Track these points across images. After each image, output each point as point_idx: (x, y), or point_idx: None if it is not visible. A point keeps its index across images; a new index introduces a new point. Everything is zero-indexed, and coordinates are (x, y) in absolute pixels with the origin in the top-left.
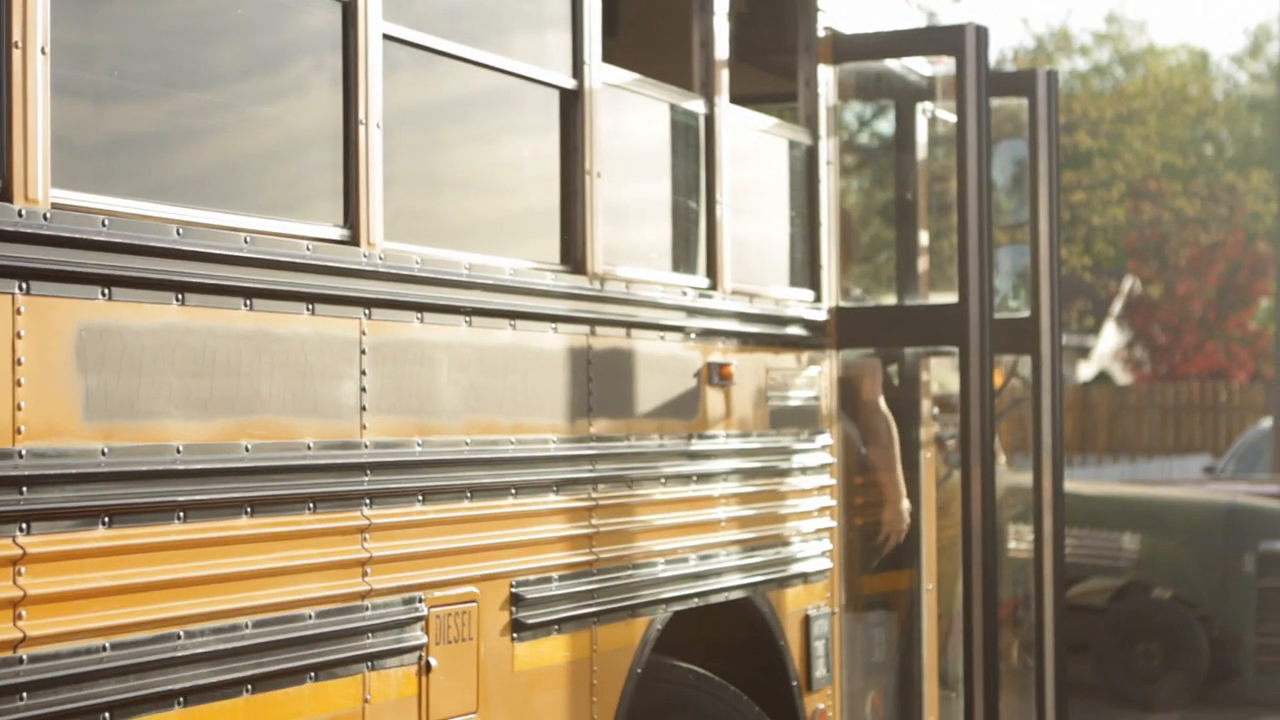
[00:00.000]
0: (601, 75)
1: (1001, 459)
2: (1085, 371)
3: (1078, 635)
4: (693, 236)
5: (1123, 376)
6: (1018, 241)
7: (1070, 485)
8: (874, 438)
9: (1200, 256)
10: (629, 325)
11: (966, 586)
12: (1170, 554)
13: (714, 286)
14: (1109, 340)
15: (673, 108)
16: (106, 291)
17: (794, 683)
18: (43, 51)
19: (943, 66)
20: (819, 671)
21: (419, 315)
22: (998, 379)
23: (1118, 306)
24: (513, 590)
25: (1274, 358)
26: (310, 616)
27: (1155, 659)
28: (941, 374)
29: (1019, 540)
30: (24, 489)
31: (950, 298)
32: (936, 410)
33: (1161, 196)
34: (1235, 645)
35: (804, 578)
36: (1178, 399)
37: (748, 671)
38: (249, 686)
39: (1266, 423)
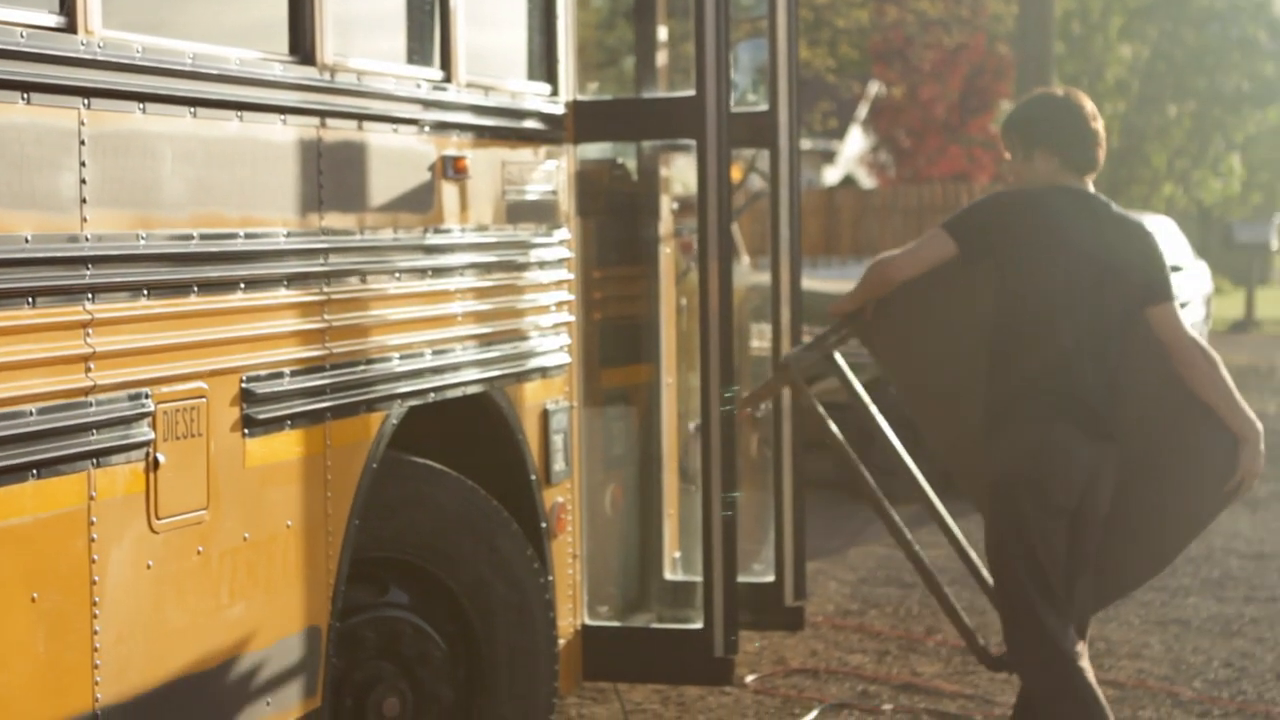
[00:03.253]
0: None
1: (745, 258)
2: (831, 175)
3: (820, 430)
4: (427, 28)
5: (868, 180)
6: (757, 35)
7: (814, 284)
8: None
9: (944, 60)
10: (360, 118)
11: (704, 382)
12: None
13: (448, 79)
14: (854, 144)
15: None
16: None
17: (533, 477)
18: None
19: None
20: (558, 465)
21: (141, 105)
22: (736, 174)
23: (863, 111)
24: (243, 386)
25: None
26: (31, 413)
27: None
28: (683, 171)
29: (762, 339)
30: None
31: (689, 92)
32: (676, 206)
33: None
34: None
35: (542, 372)
36: (921, 201)
37: (486, 466)
38: None
39: None
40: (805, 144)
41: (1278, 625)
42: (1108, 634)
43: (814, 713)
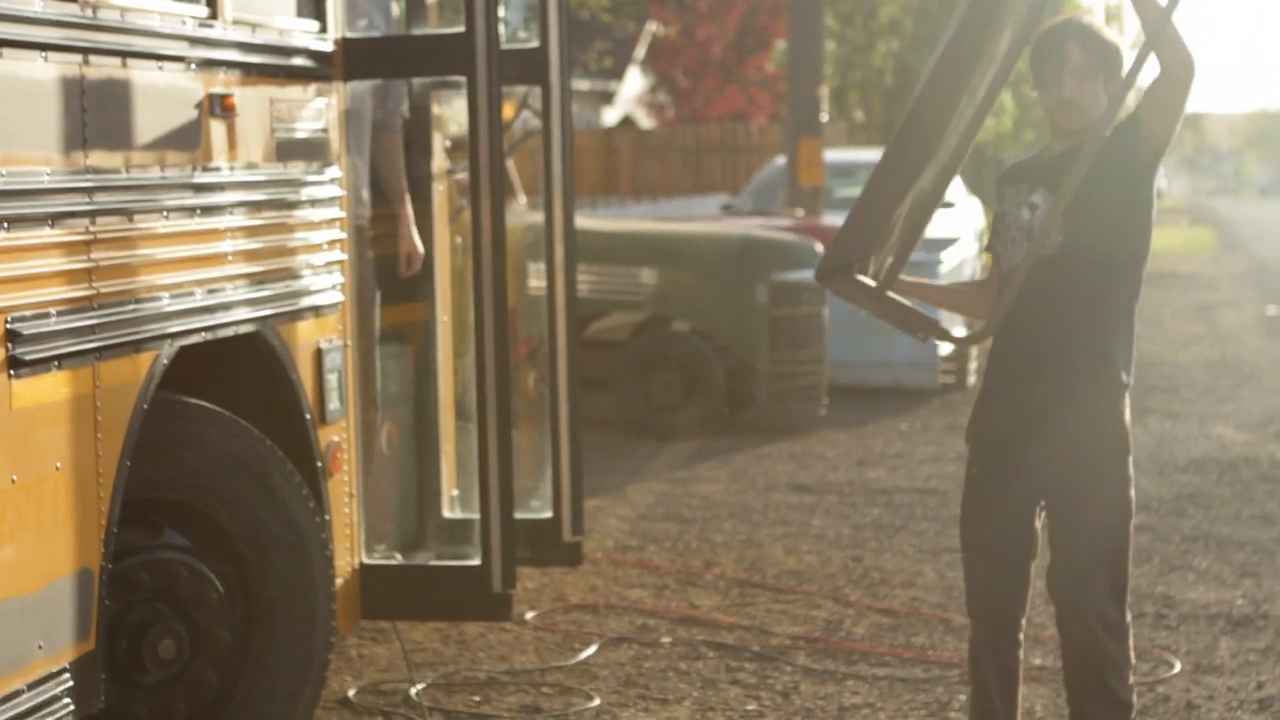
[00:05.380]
0: None
1: (521, 197)
2: (610, 116)
3: (600, 370)
4: None
5: (646, 120)
6: None
7: (591, 223)
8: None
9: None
10: (124, 54)
11: (478, 320)
12: (688, 287)
13: (214, 15)
14: (633, 84)
15: None
16: None
17: (307, 416)
18: None
19: None
20: (332, 404)
21: None
22: (508, 111)
23: (641, 51)
24: (8, 327)
25: (788, 98)
26: None
27: (674, 390)
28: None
29: (539, 277)
30: None
31: (459, 29)
32: (449, 143)
33: None
34: (750, 374)
35: (315, 311)
36: (699, 141)
37: (261, 406)
38: None
39: (781, 160)
40: (583, 84)
41: (1046, 551)
42: (881, 563)
43: (593, 647)
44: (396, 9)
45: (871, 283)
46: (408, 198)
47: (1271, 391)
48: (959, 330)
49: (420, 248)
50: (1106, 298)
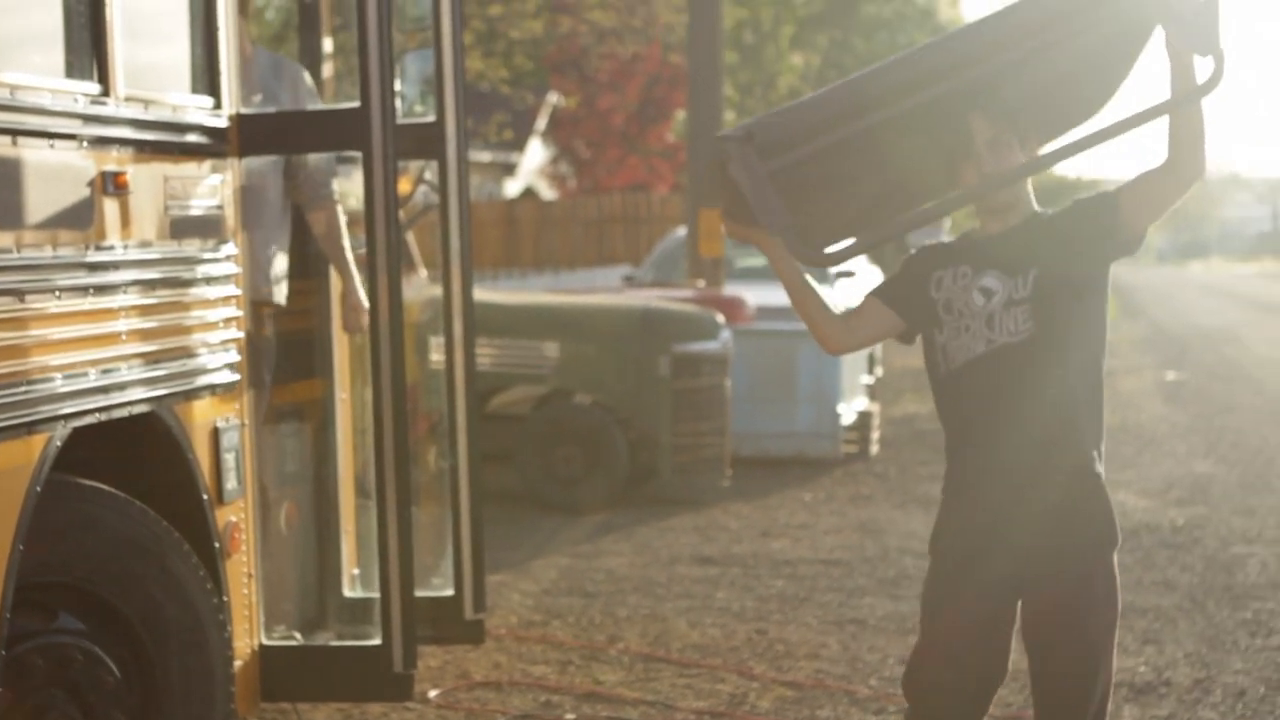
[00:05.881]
0: None
1: (421, 271)
2: (512, 188)
3: (502, 443)
4: (83, 41)
5: (548, 191)
6: (426, 46)
7: (493, 296)
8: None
9: (620, 70)
10: (14, 133)
11: (377, 398)
12: (590, 360)
13: (106, 92)
14: (534, 156)
15: None
16: None
17: (204, 496)
18: None
19: None
20: (230, 484)
21: None
22: (405, 186)
23: (542, 122)
24: None
25: (688, 168)
26: None
27: (577, 462)
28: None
29: (440, 352)
30: None
31: (354, 104)
32: (345, 218)
33: (579, 9)
34: (652, 446)
35: (211, 389)
36: (601, 211)
37: (157, 487)
38: None
39: (682, 230)
40: (484, 156)
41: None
42: (786, 635)
43: None
44: (310, 80)
45: (758, 167)
46: (352, 264)
47: (1171, 457)
48: (818, 249)
49: (365, 305)
50: (1079, 386)
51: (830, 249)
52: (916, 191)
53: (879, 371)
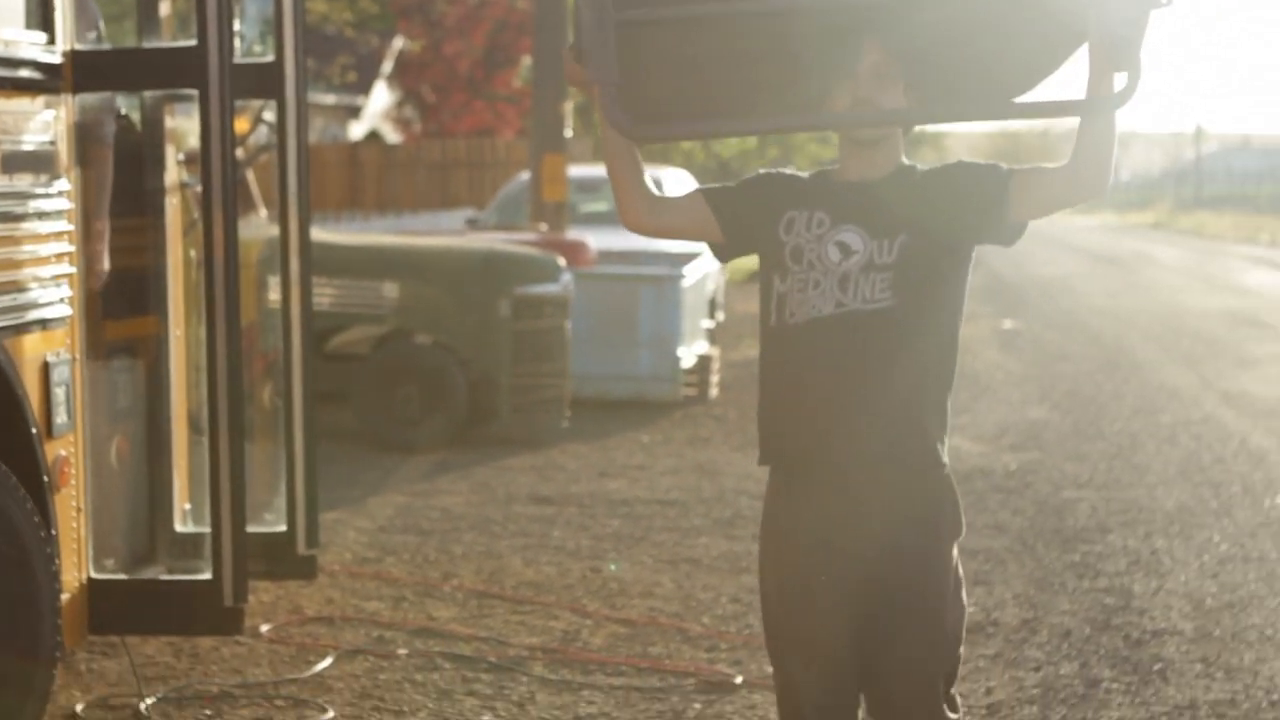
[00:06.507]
0: None
1: (261, 210)
2: (356, 130)
3: (341, 382)
4: None
5: (393, 135)
6: None
7: (335, 237)
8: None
9: (467, 15)
10: None
11: (210, 333)
12: (431, 301)
13: None
14: (379, 99)
15: None
16: None
17: (33, 430)
18: None
19: None
20: (60, 418)
21: None
22: (243, 125)
23: (388, 66)
24: None
25: (532, 114)
26: None
27: (415, 403)
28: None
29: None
30: None
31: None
32: (182, 156)
33: None
34: (492, 387)
35: (42, 324)
36: (445, 156)
37: None
38: None
39: (525, 175)
40: (328, 98)
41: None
42: (620, 574)
43: (328, 660)
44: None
45: (609, 11)
46: (107, 214)
47: (1006, 404)
48: (632, 120)
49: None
50: (931, 366)
51: (644, 126)
52: (772, 102)
53: (720, 316)
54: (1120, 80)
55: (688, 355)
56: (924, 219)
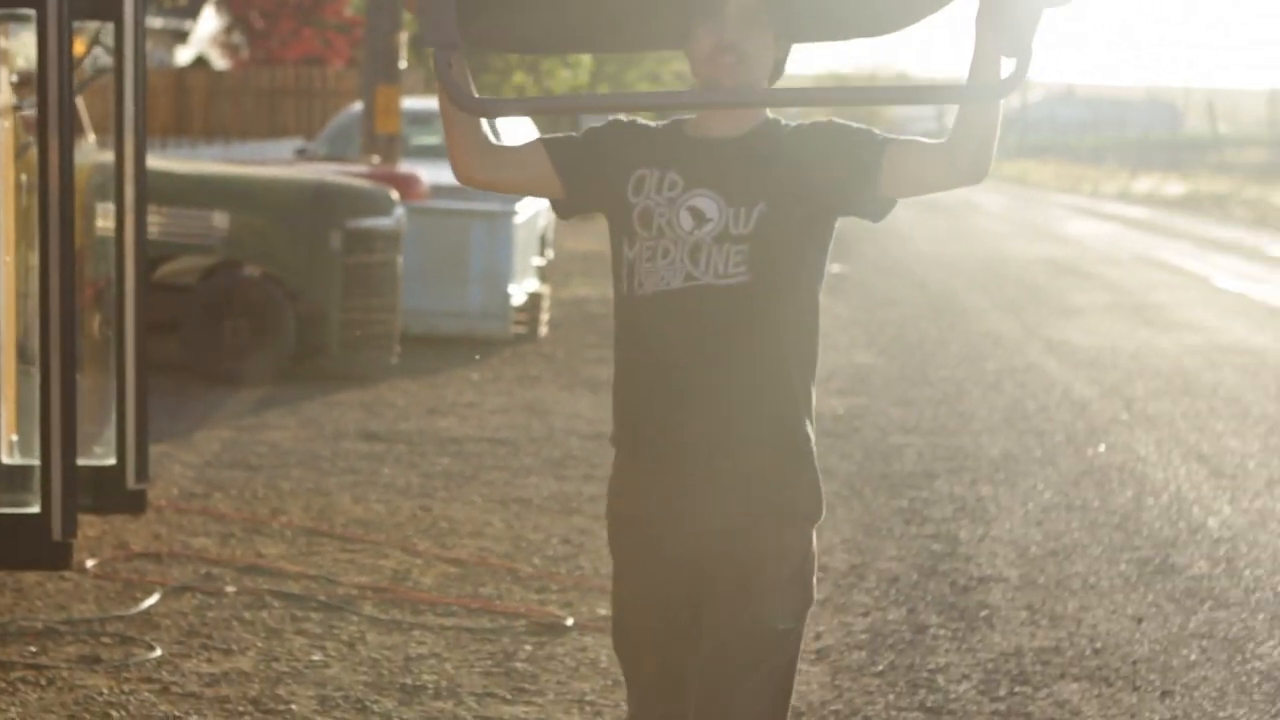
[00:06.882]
0: None
1: (90, 136)
2: (183, 55)
3: (168, 313)
4: None
5: (220, 61)
6: None
7: (162, 164)
8: None
9: None
10: None
11: (43, 261)
12: (260, 232)
13: None
14: (207, 24)
15: None
16: None
17: None
18: None
19: None
20: None
21: None
22: (79, 48)
23: None
24: None
25: (365, 44)
26: None
27: (244, 335)
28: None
29: (107, 218)
30: None
31: None
32: (15, 78)
33: None
34: (321, 321)
35: None
36: (274, 83)
37: None
38: None
39: (357, 106)
40: (156, 22)
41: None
42: (451, 513)
43: (155, 596)
44: None
45: None
46: None
47: (834, 349)
48: (468, 89)
49: None
50: (792, 342)
51: (486, 98)
52: (627, 34)
53: (549, 254)
54: (1008, 66)
55: (518, 292)
56: (786, 186)
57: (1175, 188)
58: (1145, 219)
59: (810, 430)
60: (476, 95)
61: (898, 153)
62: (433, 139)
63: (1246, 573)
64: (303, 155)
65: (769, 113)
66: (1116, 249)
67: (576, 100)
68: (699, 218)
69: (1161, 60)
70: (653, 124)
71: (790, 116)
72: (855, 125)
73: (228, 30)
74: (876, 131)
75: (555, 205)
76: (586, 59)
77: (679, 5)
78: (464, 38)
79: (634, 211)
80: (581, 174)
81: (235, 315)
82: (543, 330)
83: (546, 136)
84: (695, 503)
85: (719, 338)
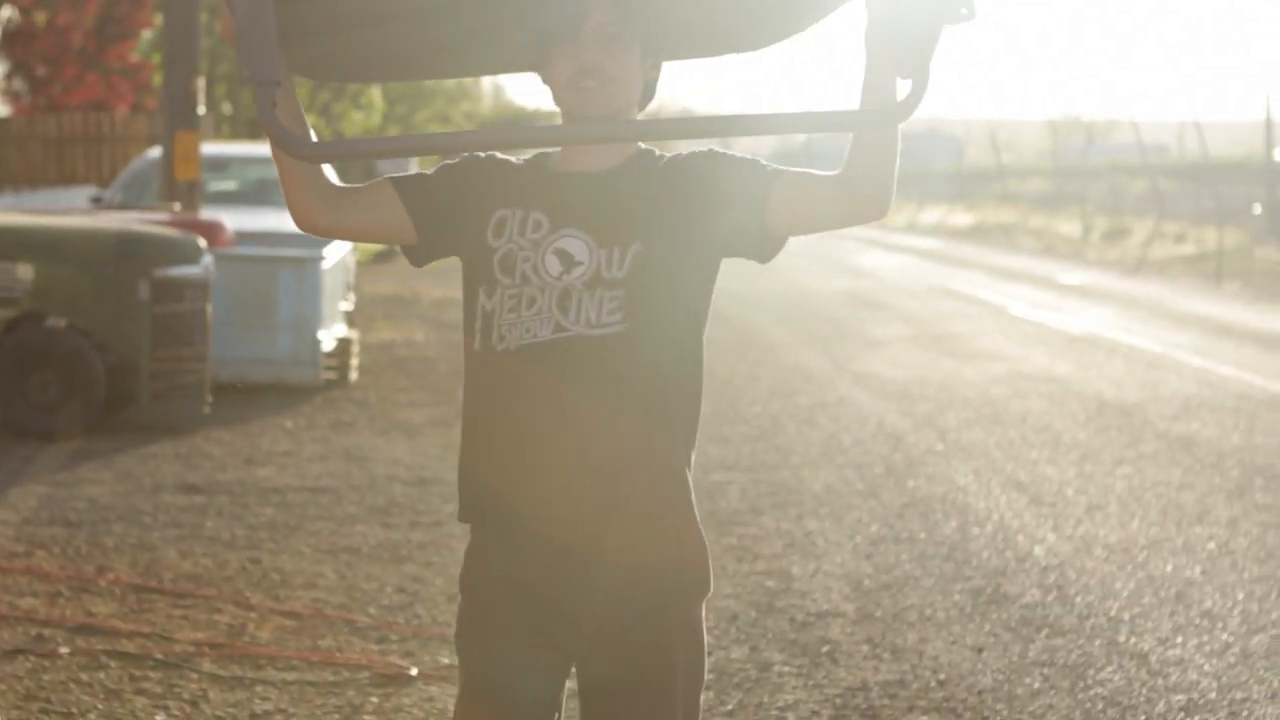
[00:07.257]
0: None
1: None
2: None
3: None
4: None
5: (3, 108)
6: None
7: None
8: None
9: None
10: None
11: None
12: (65, 282)
13: None
14: None
15: None
16: None
17: None
18: None
19: None
20: None
21: None
22: None
23: None
24: None
25: (164, 91)
26: None
27: (52, 388)
28: None
29: None
30: None
31: None
32: None
33: None
34: (131, 372)
35: None
36: (61, 130)
37: None
38: None
39: (155, 152)
40: None
41: (443, 549)
42: (280, 564)
43: None
44: None
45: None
46: None
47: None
48: (299, 137)
49: None
50: (673, 395)
51: (316, 145)
52: (473, 58)
53: (352, 298)
54: (903, 88)
55: (328, 338)
56: (664, 224)
57: (962, 218)
58: (936, 249)
59: (693, 496)
60: (309, 135)
61: (789, 186)
62: (229, 184)
63: (1078, 599)
64: (99, 204)
65: (643, 143)
66: (911, 280)
67: (423, 141)
68: (567, 261)
69: (943, 92)
70: (514, 159)
71: (667, 147)
72: (740, 155)
73: (8, 77)
74: (764, 162)
75: (408, 252)
76: (378, 100)
77: (530, 24)
78: (293, 67)
79: (495, 256)
80: (437, 216)
81: (43, 368)
82: (353, 376)
83: (396, 175)
84: (572, 594)
85: (591, 395)
